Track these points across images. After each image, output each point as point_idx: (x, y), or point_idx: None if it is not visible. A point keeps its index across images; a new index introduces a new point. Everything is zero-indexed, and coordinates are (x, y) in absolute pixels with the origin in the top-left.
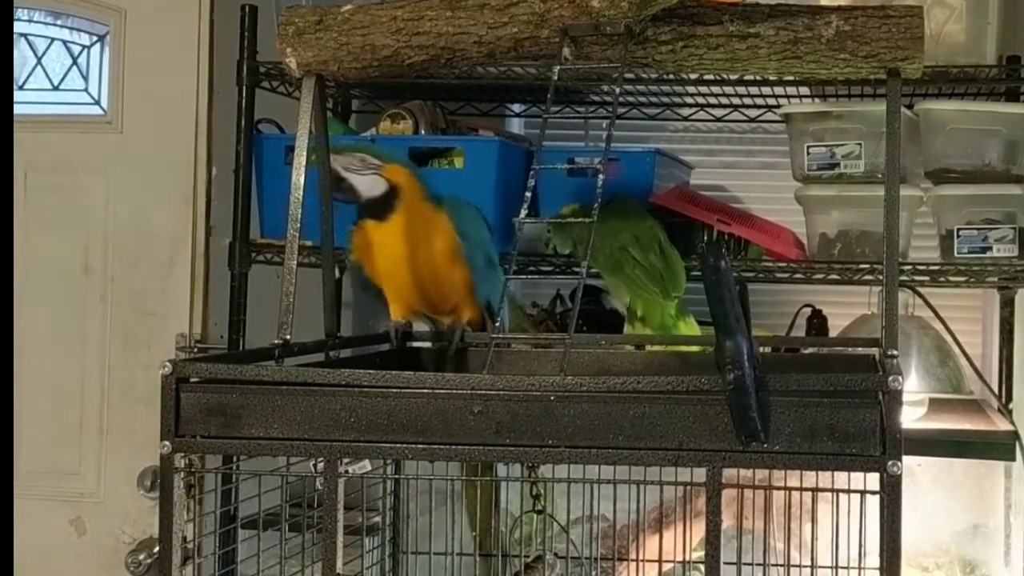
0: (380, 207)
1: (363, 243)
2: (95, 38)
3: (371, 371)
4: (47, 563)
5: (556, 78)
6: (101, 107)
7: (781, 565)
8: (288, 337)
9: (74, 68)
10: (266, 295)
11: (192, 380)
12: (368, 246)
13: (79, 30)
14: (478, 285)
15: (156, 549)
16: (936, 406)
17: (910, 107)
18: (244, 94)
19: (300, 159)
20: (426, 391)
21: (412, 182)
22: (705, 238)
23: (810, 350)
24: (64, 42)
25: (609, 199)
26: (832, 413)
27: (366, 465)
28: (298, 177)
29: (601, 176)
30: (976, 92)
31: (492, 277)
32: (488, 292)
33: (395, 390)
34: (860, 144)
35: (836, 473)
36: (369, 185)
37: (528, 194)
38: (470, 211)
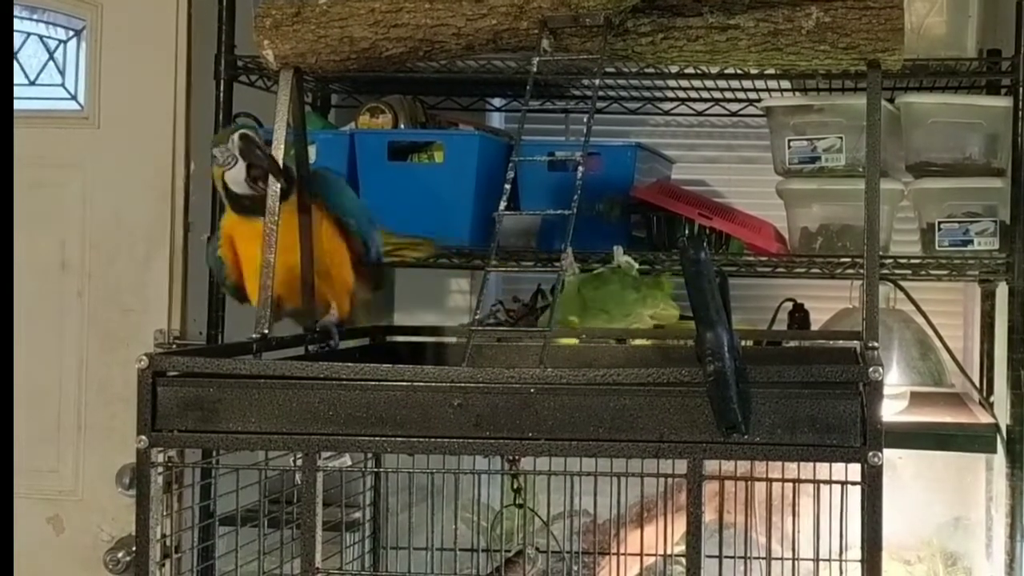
0: (259, 200)
1: (231, 239)
2: (72, 33)
3: (349, 364)
4: (25, 562)
5: (535, 70)
6: (78, 102)
7: (763, 558)
8: (266, 331)
9: (51, 63)
10: None
11: (169, 374)
12: (238, 242)
13: (56, 24)
14: (370, 250)
15: (135, 547)
16: (917, 399)
17: (891, 101)
18: (222, 88)
19: (278, 152)
20: (405, 384)
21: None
22: (686, 232)
23: (791, 343)
24: (40, 37)
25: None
26: (813, 404)
27: (346, 460)
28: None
29: (581, 169)
30: (957, 85)
31: (377, 236)
32: (379, 250)
33: (374, 383)
34: (841, 138)
35: (817, 466)
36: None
37: (507, 187)
38: (336, 180)
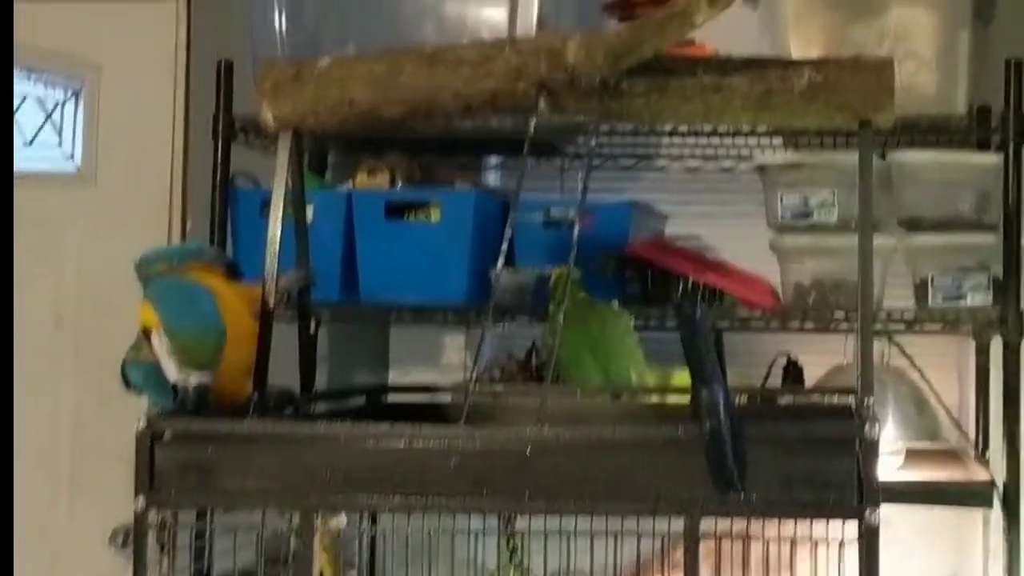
0: None
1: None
2: (69, 93)
3: (347, 423)
4: None
5: (532, 131)
6: (75, 162)
7: None
8: (263, 392)
9: (48, 124)
10: None
11: (166, 438)
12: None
13: (53, 86)
14: None
15: None
16: (913, 455)
17: (882, 156)
18: (220, 148)
19: (276, 214)
20: (404, 443)
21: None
22: (680, 287)
23: (786, 399)
24: (38, 98)
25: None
26: (809, 462)
27: (343, 520)
28: (274, 231)
29: (577, 227)
30: (947, 142)
31: None
32: None
33: (372, 442)
34: (833, 193)
35: (814, 523)
36: None
37: (505, 246)
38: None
